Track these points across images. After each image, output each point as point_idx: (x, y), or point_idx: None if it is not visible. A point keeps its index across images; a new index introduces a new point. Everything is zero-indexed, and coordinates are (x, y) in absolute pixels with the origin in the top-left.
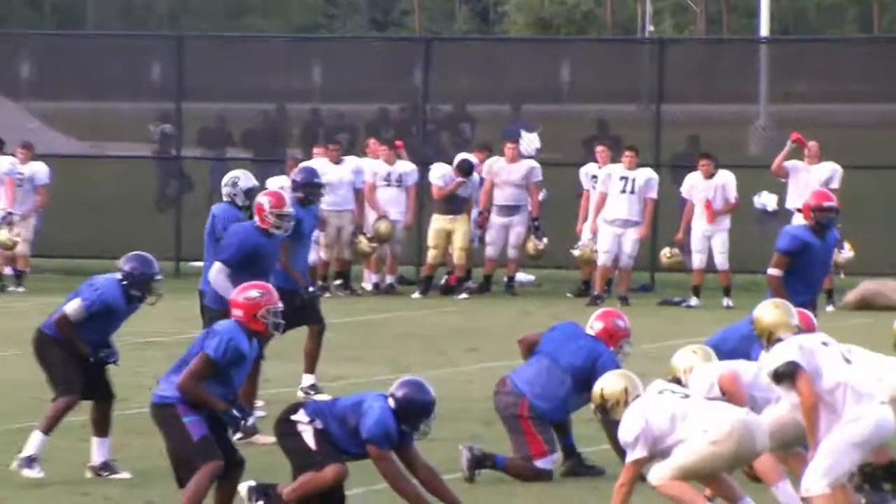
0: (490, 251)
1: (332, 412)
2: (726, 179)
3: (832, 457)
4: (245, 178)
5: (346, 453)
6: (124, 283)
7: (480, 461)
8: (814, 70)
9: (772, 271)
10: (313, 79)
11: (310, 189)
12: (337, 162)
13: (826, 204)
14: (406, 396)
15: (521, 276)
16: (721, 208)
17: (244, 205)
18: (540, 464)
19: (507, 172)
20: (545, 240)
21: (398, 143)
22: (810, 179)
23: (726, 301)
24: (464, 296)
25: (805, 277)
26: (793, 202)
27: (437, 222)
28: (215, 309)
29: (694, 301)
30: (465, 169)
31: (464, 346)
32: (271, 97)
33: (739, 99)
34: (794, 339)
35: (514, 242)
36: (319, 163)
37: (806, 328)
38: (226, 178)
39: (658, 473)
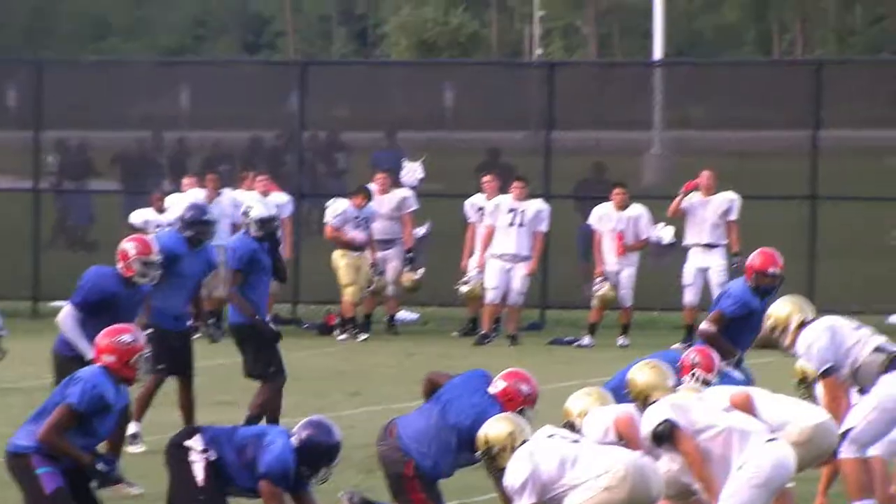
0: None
1: (231, 440)
2: (640, 212)
3: (737, 501)
4: (257, 208)
5: (236, 486)
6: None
7: None
8: (711, 94)
9: (708, 327)
10: (181, 104)
11: (200, 227)
12: (216, 194)
13: (771, 270)
14: (310, 437)
15: (404, 315)
16: (633, 243)
17: (257, 236)
18: None
19: (379, 204)
20: (421, 271)
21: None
22: (707, 213)
23: (622, 340)
24: (343, 336)
25: (735, 338)
26: (691, 237)
27: (348, 258)
28: (62, 355)
29: (587, 340)
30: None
31: (345, 390)
32: (136, 124)
33: (633, 125)
34: (664, 400)
35: (391, 278)
36: (195, 195)
37: (706, 370)
38: (242, 208)
39: None
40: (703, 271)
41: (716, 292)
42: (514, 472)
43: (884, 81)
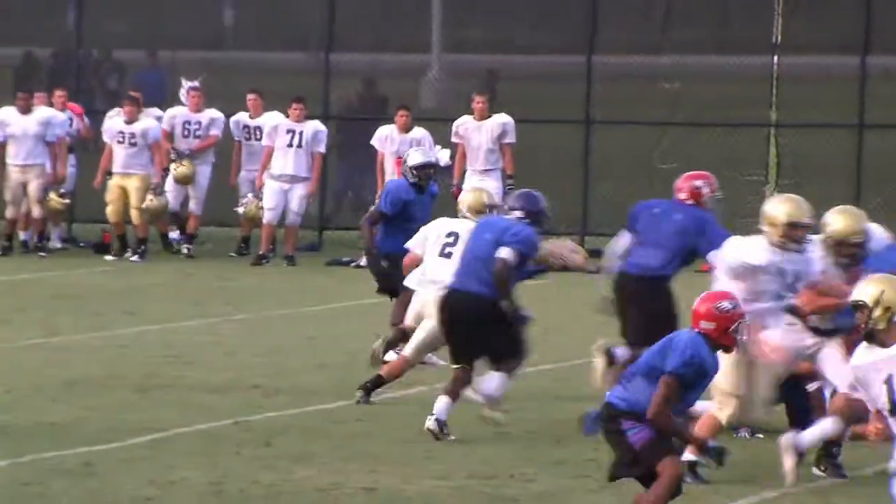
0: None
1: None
2: (422, 135)
3: None
4: (414, 156)
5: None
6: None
7: None
8: (488, 18)
9: None
10: None
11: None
12: (26, 111)
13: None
14: None
15: (176, 235)
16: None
17: (413, 182)
18: None
19: (146, 124)
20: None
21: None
22: (481, 137)
23: None
24: (111, 257)
25: None
26: (470, 163)
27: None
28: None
29: (364, 261)
30: None
31: (121, 308)
32: None
33: (412, 48)
34: None
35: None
36: (4, 112)
37: None
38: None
39: None
40: None
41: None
42: None
43: (656, 6)
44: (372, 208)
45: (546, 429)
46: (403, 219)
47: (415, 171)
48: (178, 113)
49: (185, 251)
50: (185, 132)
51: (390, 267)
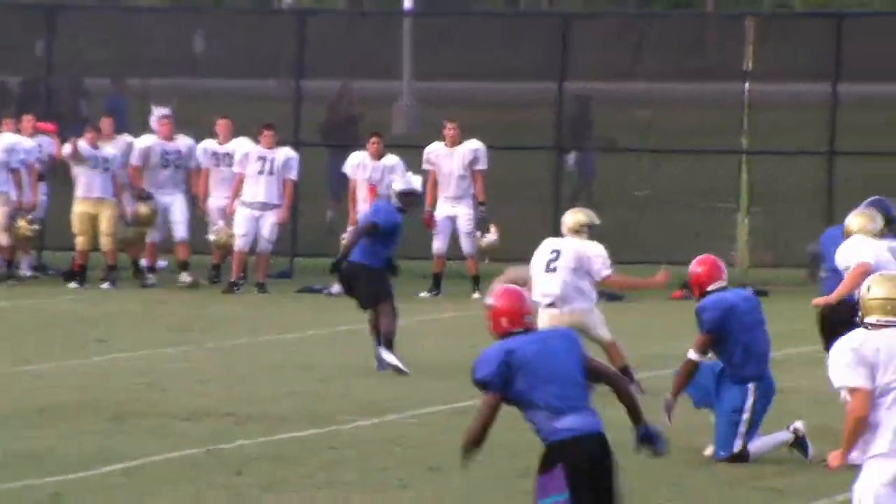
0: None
1: None
2: (394, 162)
3: None
4: (399, 182)
5: None
6: None
7: None
8: (460, 46)
9: None
10: None
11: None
12: None
13: None
14: None
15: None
16: (386, 194)
17: (398, 207)
18: None
19: (113, 150)
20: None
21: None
22: (453, 164)
23: None
24: (74, 284)
25: None
26: (442, 190)
27: (82, 206)
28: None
29: (336, 288)
30: None
31: (93, 336)
32: None
33: (383, 75)
34: None
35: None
36: None
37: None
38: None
39: None
40: (452, 220)
41: (464, 241)
42: None
43: (627, 33)
44: (360, 222)
45: (508, 461)
46: (383, 238)
47: (400, 198)
48: (150, 143)
49: (185, 280)
50: (164, 162)
51: (368, 280)
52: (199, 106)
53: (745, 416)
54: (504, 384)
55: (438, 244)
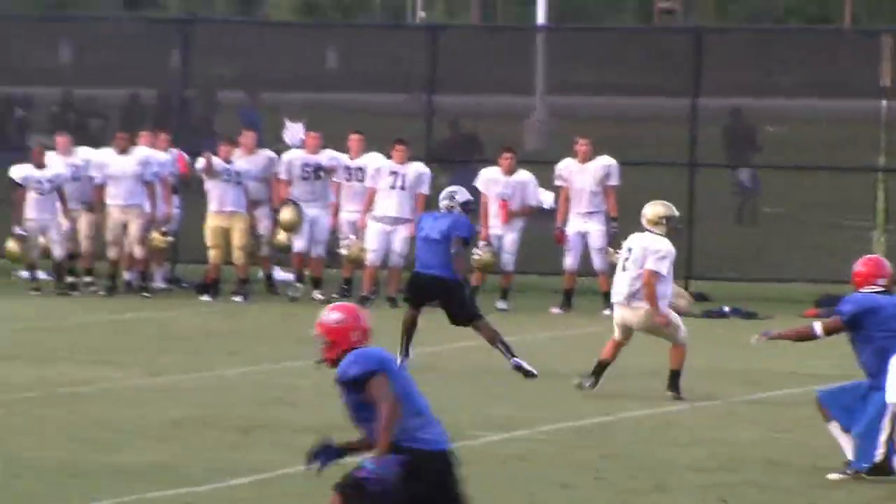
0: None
1: None
2: (527, 178)
3: None
4: (461, 193)
5: None
6: None
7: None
8: (592, 61)
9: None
10: (61, 60)
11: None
12: (124, 152)
13: None
14: None
15: (281, 275)
16: (518, 209)
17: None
18: None
19: (245, 164)
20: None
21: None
22: (585, 180)
23: (501, 304)
24: (206, 297)
25: None
26: (574, 206)
27: (214, 220)
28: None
29: (317, 293)
30: None
31: (222, 349)
32: (14, 80)
33: (515, 90)
34: None
35: (264, 238)
36: (104, 153)
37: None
38: (444, 192)
39: None
40: (583, 236)
41: (595, 257)
42: None
43: (764, 49)
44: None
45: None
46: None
47: (464, 207)
48: (293, 157)
49: (317, 297)
50: (305, 174)
51: (459, 294)
52: (329, 120)
53: (887, 427)
54: None
55: (570, 260)
